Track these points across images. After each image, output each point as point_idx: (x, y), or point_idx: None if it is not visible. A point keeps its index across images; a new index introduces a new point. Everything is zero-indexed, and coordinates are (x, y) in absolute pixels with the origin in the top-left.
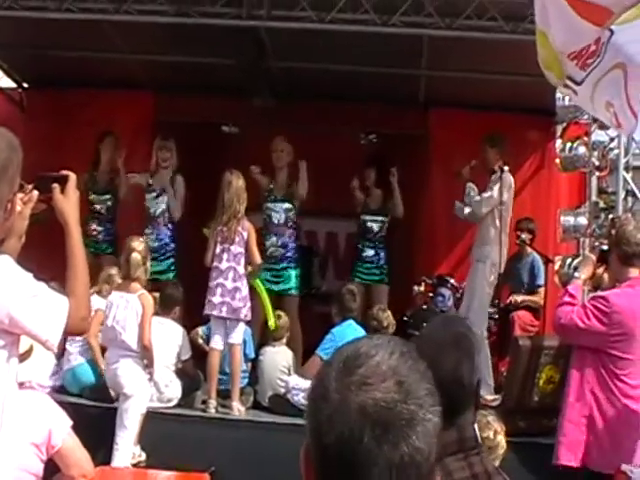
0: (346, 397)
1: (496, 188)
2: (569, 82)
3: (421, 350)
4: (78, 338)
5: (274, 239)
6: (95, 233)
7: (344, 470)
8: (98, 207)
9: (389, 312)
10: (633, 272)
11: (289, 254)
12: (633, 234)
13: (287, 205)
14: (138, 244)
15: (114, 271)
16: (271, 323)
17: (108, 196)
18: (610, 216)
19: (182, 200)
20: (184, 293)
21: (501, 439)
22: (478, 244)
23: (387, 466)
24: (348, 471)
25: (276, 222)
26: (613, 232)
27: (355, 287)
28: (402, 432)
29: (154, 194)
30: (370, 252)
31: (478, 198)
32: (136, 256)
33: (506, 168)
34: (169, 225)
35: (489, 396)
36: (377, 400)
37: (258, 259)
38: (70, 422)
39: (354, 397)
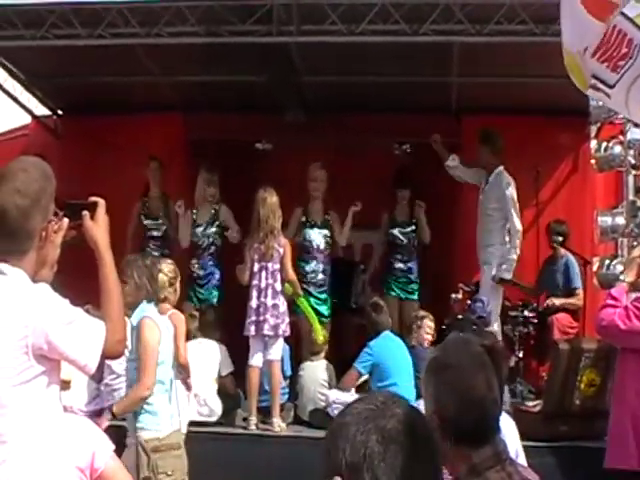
0: None
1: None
2: (599, 84)
3: (451, 380)
4: (122, 372)
5: (313, 264)
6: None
7: None
8: (154, 233)
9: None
10: None
11: (327, 279)
12: None
13: (325, 232)
14: (165, 265)
15: None
16: (321, 338)
17: (162, 221)
18: None
19: (235, 224)
20: (231, 315)
21: None
22: (482, 246)
23: None
24: None
25: (316, 247)
26: None
27: (380, 300)
28: None
29: (200, 228)
30: (401, 265)
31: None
32: (162, 277)
33: (501, 167)
34: (214, 255)
35: (529, 402)
36: None
37: (292, 275)
38: (112, 446)
39: None
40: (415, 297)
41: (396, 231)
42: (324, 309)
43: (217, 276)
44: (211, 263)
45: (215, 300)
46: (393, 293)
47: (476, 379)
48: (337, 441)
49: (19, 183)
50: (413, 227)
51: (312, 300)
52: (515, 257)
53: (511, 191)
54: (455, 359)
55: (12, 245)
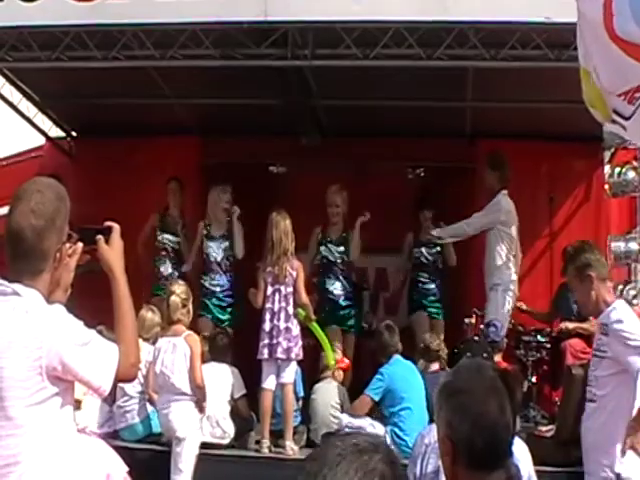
0: None
1: (486, 212)
2: (617, 117)
3: (463, 405)
4: (134, 394)
5: (332, 280)
6: (166, 275)
7: None
8: (169, 248)
9: (435, 336)
10: None
11: (349, 294)
12: None
13: (341, 248)
14: (177, 287)
15: (149, 315)
16: (332, 364)
17: (179, 238)
18: None
19: (242, 237)
20: (244, 336)
21: None
22: (488, 273)
23: None
24: None
25: (333, 261)
26: None
27: (392, 322)
28: None
29: (214, 242)
30: (430, 285)
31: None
32: (175, 299)
33: (504, 192)
34: (229, 271)
35: (543, 427)
36: None
37: (305, 298)
38: (126, 468)
39: None
40: (440, 317)
41: (423, 250)
42: (346, 324)
43: (231, 293)
44: (226, 279)
45: (229, 319)
46: (424, 310)
47: (488, 404)
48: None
49: (34, 204)
50: (439, 248)
51: (331, 313)
52: (461, 231)
53: (509, 208)
54: (467, 384)
55: (27, 265)
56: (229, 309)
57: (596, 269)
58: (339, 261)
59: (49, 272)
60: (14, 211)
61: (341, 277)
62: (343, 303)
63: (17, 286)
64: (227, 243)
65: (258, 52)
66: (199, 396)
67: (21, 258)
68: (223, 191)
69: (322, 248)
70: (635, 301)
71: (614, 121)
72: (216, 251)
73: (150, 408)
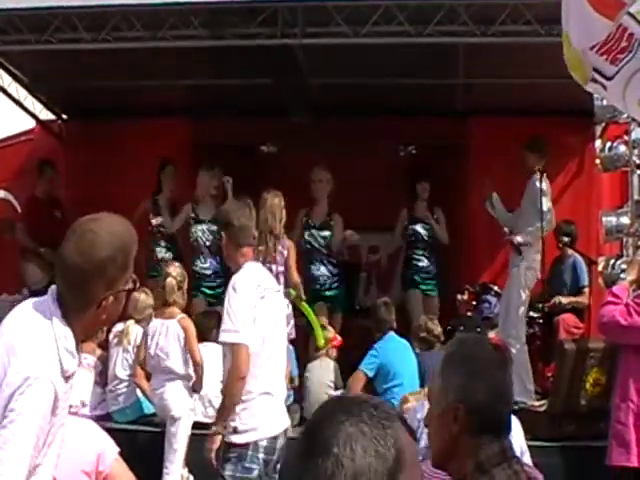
0: None
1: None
2: (598, 76)
3: (479, 370)
4: (125, 377)
5: (316, 266)
6: (160, 257)
7: None
8: (163, 230)
9: (437, 321)
10: None
11: (333, 278)
12: None
13: (326, 233)
14: (173, 269)
15: (142, 297)
16: (321, 344)
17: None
18: None
19: None
20: None
21: None
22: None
23: None
24: None
25: (317, 247)
26: None
27: (389, 299)
28: None
29: (202, 225)
30: (423, 261)
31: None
32: (171, 281)
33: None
34: (219, 254)
35: (535, 402)
36: None
37: (296, 277)
38: (117, 449)
39: None
40: (435, 293)
41: (418, 227)
42: (330, 304)
43: (222, 274)
44: (216, 262)
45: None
46: (417, 288)
47: (501, 373)
48: None
49: (84, 246)
50: (432, 223)
51: (317, 299)
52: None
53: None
54: (477, 351)
55: (70, 298)
56: (221, 290)
57: (229, 232)
58: (323, 248)
59: (91, 317)
60: (65, 244)
61: (326, 262)
62: (329, 288)
63: (57, 316)
64: (215, 227)
65: (247, 32)
66: (198, 374)
67: (66, 289)
68: (211, 176)
69: (306, 233)
70: (623, 275)
71: (595, 80)
72: (204, 234)
73: (140, 393)
